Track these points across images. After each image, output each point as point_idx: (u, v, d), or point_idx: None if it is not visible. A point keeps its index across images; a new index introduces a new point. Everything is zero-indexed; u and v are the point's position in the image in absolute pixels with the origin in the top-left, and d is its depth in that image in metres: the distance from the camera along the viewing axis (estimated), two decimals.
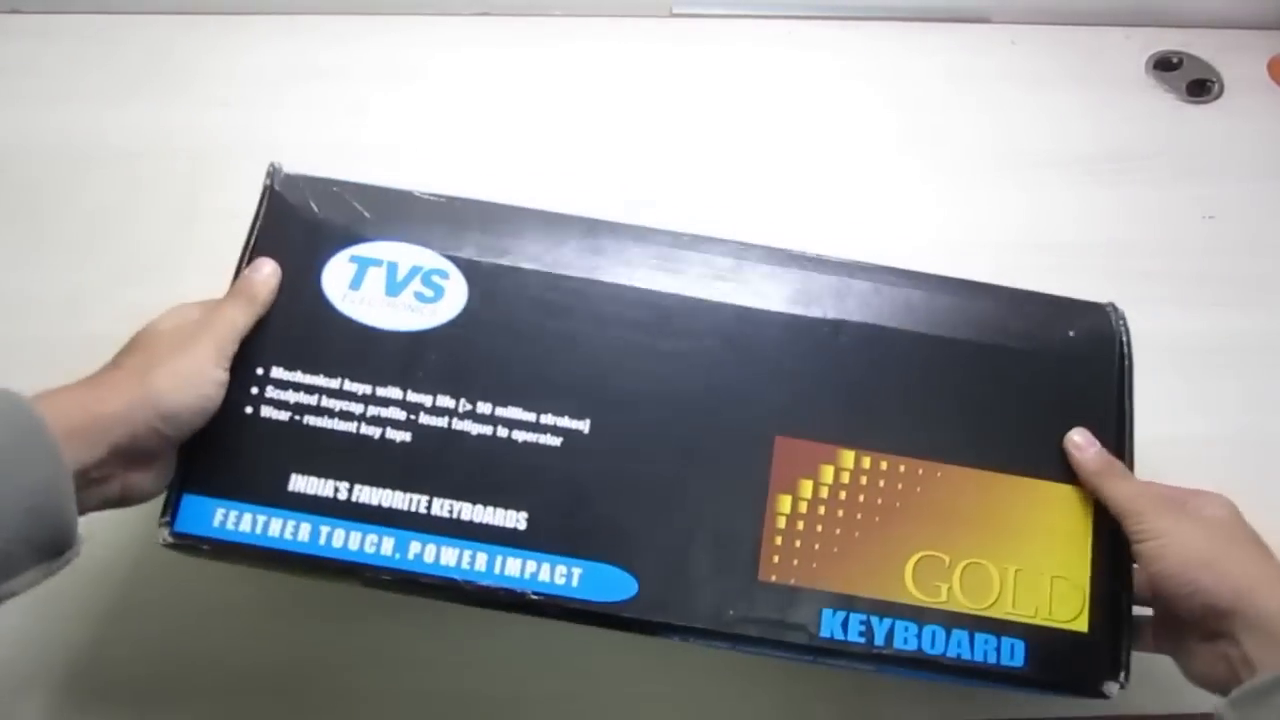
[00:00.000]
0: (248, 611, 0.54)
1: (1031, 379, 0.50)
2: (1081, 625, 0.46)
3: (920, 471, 0.48)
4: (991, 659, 0.45)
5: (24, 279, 0.64)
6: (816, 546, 0.46)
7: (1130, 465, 0.49)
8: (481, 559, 0.45)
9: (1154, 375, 0.61)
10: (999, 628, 0.46)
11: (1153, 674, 0.48)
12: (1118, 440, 0.49)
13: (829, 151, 0.72)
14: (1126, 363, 0.51)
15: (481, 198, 0.51)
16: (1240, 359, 0.64)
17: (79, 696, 0.52)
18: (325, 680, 0.53)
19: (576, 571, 0.45)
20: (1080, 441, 0.48)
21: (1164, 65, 0.77)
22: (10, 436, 0.37)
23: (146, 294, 0.63)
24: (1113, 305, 0.52)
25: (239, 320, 0.46)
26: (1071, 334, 0.51)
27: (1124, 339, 0.51)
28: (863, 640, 0.45)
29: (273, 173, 0.51)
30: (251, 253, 0.49)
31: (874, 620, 0.45)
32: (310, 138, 0.70)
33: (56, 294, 0.64)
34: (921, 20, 0.78)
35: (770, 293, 0.50)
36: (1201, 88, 0.76)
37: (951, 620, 0.46)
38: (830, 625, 0.45)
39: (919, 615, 0.46)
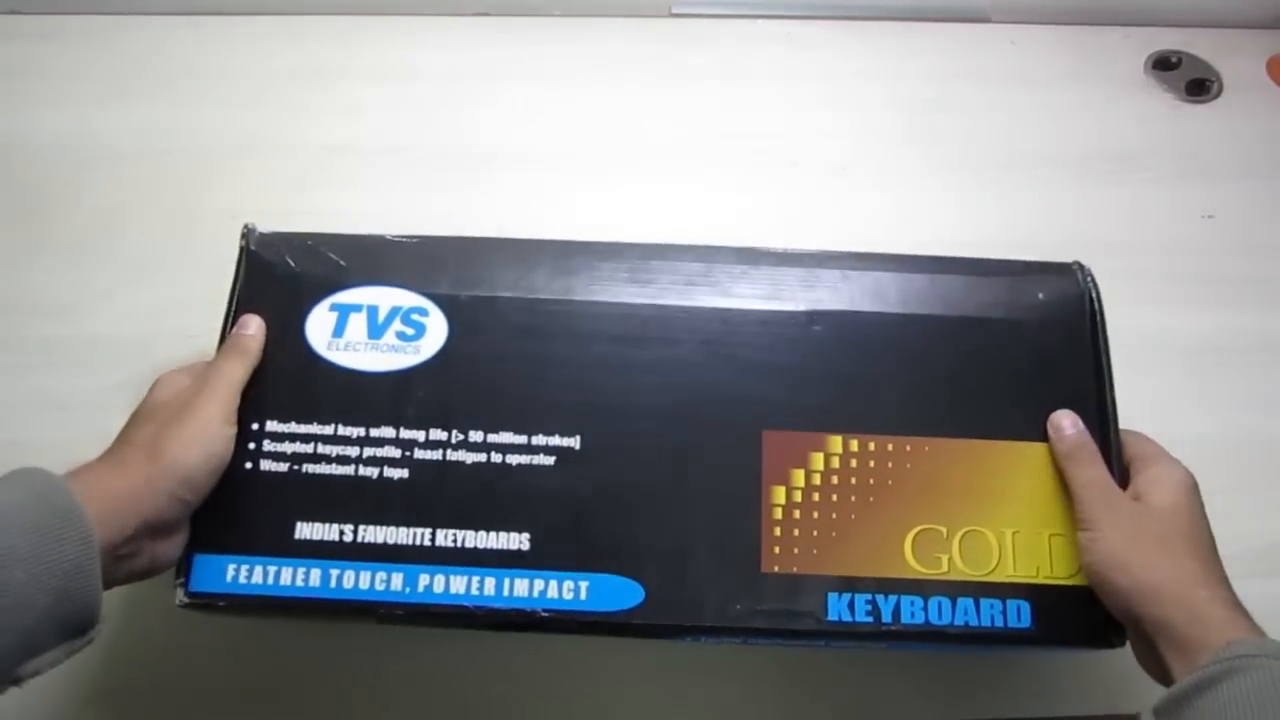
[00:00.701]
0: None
1: (1007, 345, 0.50)
2: (1083, 579, 0.46)
3: (908, 448, 0.48)
4: (999, 623, 0.46)
5: (24, 279, 0.64)
6: (815, 533, 0.47)
7: (1114, 416, 0.49)
8: (490, 583, 0.46)
9: (1155, 375, 0.61)
10: (1003, 591, 0.46)
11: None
12: (1098, 395, 0.49)
13: (828, 151, 0.71)
14: (1098, 319, 0.51)
15: (451, 234, 0.52)
16: (1240, 359, 0.64)
17: (81, 698, 0.52)
18: (326, 686, 0.53)
19: (583, 585, 0.46)
20: (1060, 424, 0.48)
21: (1163, 65, 0.77)
22: (48, 520, 0.37)
23: (146, 294, 0.64)
24: (1079, 264, 0.52)
25: (236, 375, 0.47)
26: (1041, 296, 0.51)
27: (1093, 295, 0.51)
28: (870, 619, 0.46)
29: (247, 234, 0.51)
30: (235, 313, 0.50)
31: (879, 598, 0.46)
32: (310, 138, 0.70)
33: (56, 294, 0.64)
34: (921, 20, 0.78)
35: (742, 292, 0.51)
36: (1201, 87, 0.76)
37: (955, 590, 0.46)
38: (837, 608, 0.46)
39: (922, 589, 0.46)
